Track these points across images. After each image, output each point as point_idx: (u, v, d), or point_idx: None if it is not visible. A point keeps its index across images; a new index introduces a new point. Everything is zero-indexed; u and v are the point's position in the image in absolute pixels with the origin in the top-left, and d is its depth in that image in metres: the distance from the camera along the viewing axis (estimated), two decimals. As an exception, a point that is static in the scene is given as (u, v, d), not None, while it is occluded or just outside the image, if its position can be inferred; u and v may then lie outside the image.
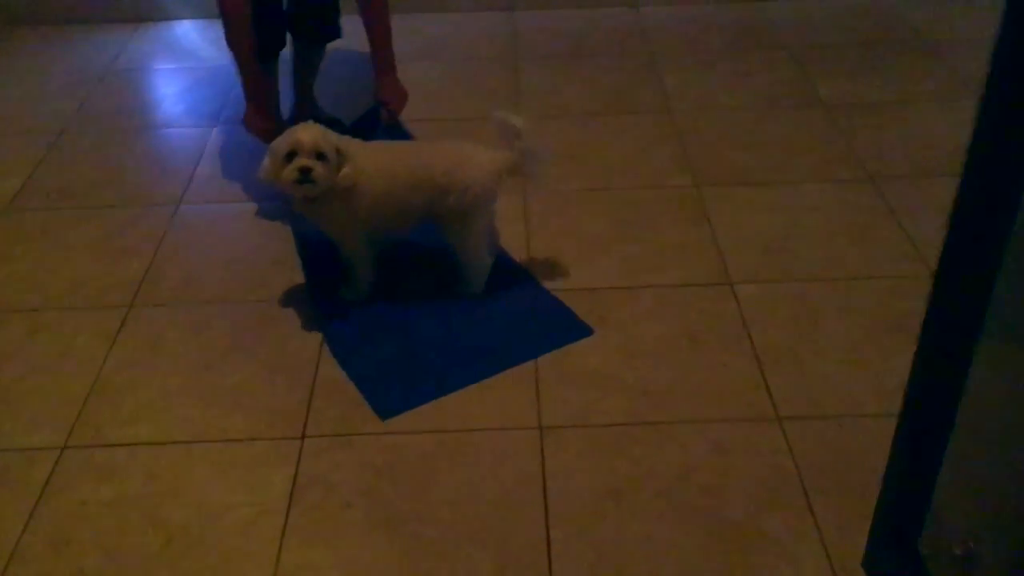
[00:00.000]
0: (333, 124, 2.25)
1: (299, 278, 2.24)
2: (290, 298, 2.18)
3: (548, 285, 2.19)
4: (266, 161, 1.96)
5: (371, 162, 2.00)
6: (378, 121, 2.54)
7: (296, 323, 2.10)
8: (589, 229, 2.38)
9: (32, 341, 2.08)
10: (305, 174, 1.89)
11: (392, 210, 2.05)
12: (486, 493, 1.69)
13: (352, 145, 2.00)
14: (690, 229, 2.37)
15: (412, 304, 2.15)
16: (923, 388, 1.29)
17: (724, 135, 2.76)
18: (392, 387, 1.93)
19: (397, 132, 2.65)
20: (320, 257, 2.26)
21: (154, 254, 2.33)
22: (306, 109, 2.73)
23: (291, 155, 1.90)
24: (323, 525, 1.65)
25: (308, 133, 1.91)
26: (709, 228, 2.36)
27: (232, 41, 2.33)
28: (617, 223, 2.40)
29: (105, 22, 3.51)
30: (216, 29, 3.00)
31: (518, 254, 2.29)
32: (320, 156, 1.90)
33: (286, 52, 2.60)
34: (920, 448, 1.33)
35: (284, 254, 2.32)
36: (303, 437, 1.83)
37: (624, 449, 1.77)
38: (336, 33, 2.67)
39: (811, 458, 1.74)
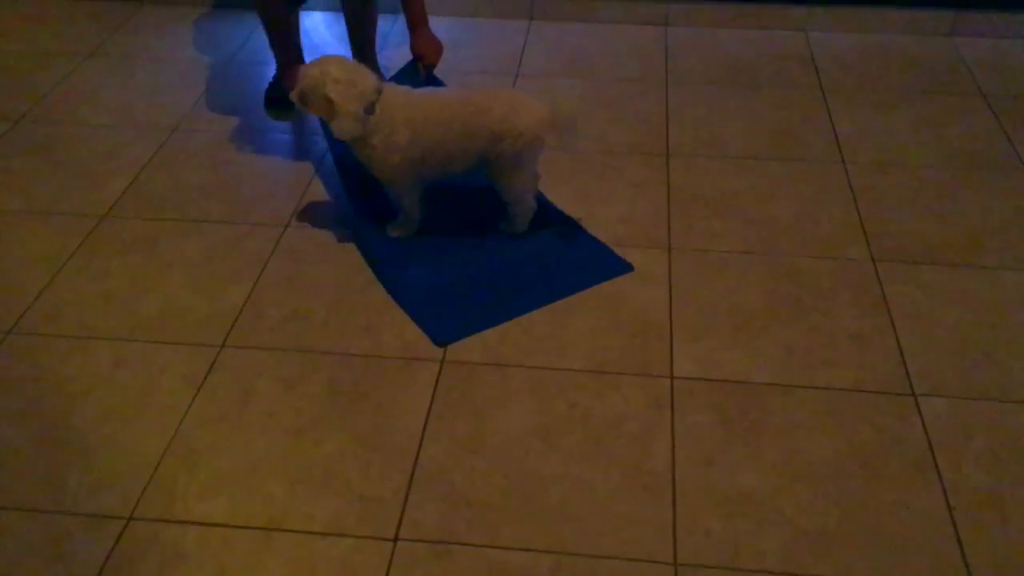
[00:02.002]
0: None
1: (408, 331, 1.98)
2: (396, 354, 1.92)
3: (695, 373, 1.87)
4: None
5: (422, 112, 2.07)
6: (417, 75, 2.42)
7: (399, 388, 1.85)
8: (743, 302, 2.05)
9: (114, 376, 1.88)
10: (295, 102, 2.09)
11: (447, 157, 2.11)
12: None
13: (399, 95, 2.08)
14: (865, 316, 2.01)
15: (458, 238, 2.23)
16: None
17: (907, 198, 2.37)
18: (444, 316, 2.01)
19: (435, 85, 2.46)
20: (366, 189, 2.30)
21: (255, 283, 2.11)
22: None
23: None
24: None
25: (313, 70, 2.03)
26: (888, 317, 2.00)
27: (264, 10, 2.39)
28: (777, 298, 2.06)
29: (234, 6, 3.32)
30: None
31: (654, 326, 1.98)
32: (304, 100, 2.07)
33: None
34: None
35: (391, 300, 2.06)
36: (396, 539, 1.57)
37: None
38: None
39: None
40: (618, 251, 2.20)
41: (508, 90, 2.18)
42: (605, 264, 2.15)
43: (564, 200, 2.36)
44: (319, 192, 2.41)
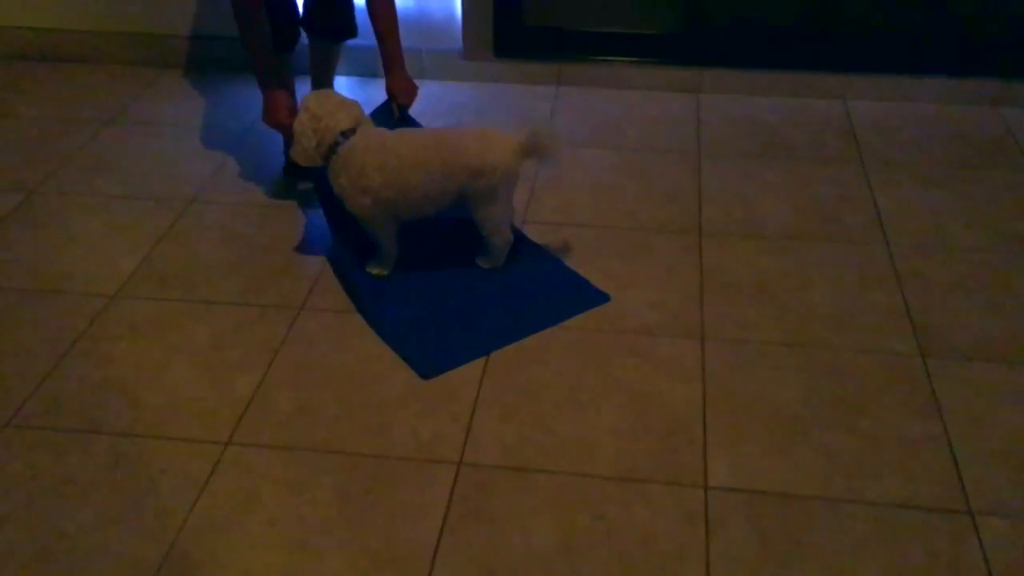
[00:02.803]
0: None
1: (423, 428, 1.87)
2: (409, 454, 1.81)
3: (729, 484, 1.74)
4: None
5: (397, 157, 2.12)
6: (391, 115, 2.46)
7: (413, 493, 1.73)
8: (782, 401, 1.92)
9: (112, 475, 1.78)
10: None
11: (424, 198, 2.16)
12: None
13: (372, 138, 2.14)
14: (914, 419, 1.87)
15: (436, 272, 2.27)
16: None
17: (957, 285, 2.23)
18: (427, 349, 2.04)
19: (409, 126, 2.46)
20: (346, 222, 2.29)
21: (264, 373, 2.01)
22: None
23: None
24: None
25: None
26: (940, 422, 1.86)
27: (246, 35, 2.37)
28: (818, 397, 1.93)
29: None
30: (373, 86, 2.69)
31: (685, 427, 1.85)
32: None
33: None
34: None
35: (406, 393, 1.96)
36: (404, 675, 1.44)
37: None
38: (351, 31, 2.71)
39: None
40: (648, 340, 2.08)
41: (479, 126, 2.22)
42: (583, 295, 2.21)
43: (591, 281, 2.25)
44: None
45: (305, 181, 2.64)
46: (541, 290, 2.23)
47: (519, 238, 2.35)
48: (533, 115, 3.02)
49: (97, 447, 1.84)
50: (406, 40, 3.18)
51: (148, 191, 2.65)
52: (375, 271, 2.26)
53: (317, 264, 2.34)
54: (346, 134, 2.13)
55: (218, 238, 2.46)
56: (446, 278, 2.25)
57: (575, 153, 2.82)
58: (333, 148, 2.14)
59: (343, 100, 2.17)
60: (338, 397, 1.95)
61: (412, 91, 2.47)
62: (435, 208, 2.20)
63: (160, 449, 1.83)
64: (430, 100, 3.04)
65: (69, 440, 1.85)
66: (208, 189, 2.65)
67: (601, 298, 2.20)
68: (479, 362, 2.03)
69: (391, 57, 2.44)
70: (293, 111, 2.32)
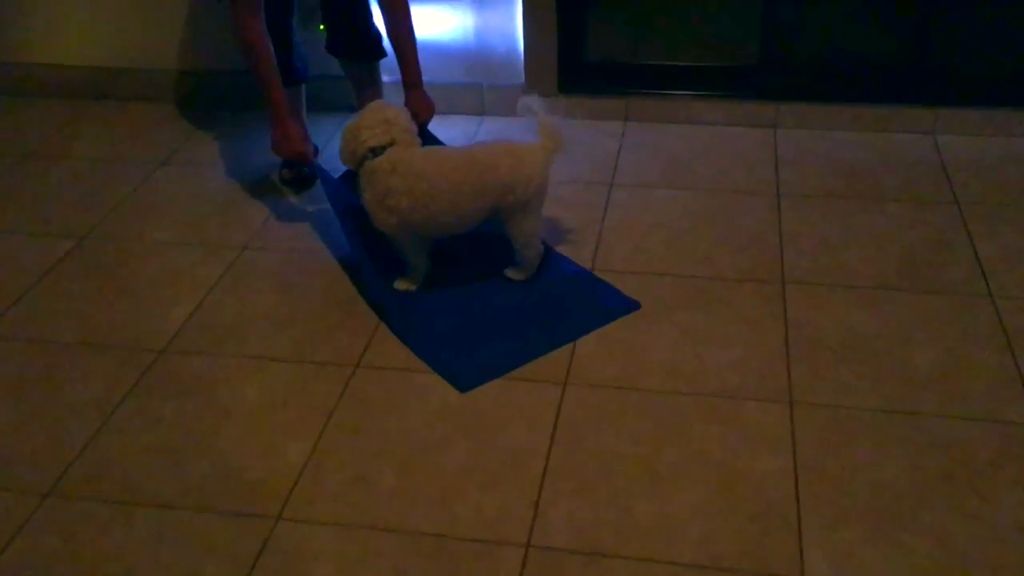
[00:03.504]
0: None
1: (488, 503, 1.72)
2: (474, 535, 1.66)
3: None
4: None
5: (428, 182, 2.10)
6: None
7: (478, 581, 1.57)
8: (884, 478, 1.73)
9: (156, 556, 1.65)
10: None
11: (458, 219, 2.15)
12: None
13: (402, 161, 2.11)
14: (1037, 502, 1.67)
15: (465, 285, 2.25)
16: None
17: (1074, 344, 2.03)
18: (461, 361, 2.01)
19: (428, 143, 2.37)
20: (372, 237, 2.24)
21: (317, 438, 1.88)
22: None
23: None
24: None
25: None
26: (1067, 505, 1.65)
27: (253, 68, 2.39)
28: (924, 474, 1.73)
29: (320, 110, 3.12)
30: (440, 126, 2.57)
31: (777, 507, 1.67)
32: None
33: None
34: None
35: (469, 463, 1.81)
36: None
37: None
38: (378, 52, 2.72)
39: None
40: (731, 405, 1.91)
41: (504, 141, 2.22)
42: (615, 303, 2.19)
43: (665, 340, 2.09)
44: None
45: (295, 192, 2.73)
46: (573, 299, 2.21)
47: (546, 248, 2.34)
48: (600, 153, 2.88)
49: (140, 521, 1.72)
50: (467, 76, 3.09)
51: (200, 237, 2.55)
52: (403, 287, 2.23)
53: (374, 318, 2.21)
54: (376, 151, 2.12)
55: (271, 288, 2.35)
56: (476, 290, 2.24)
57: (645, 194, 2.66)
58: (362, 161, 2.14)
59: (388, 116, 2.15)
60: (395, 466, 1.81)
61: (431, 108, 2.50)
62: (467, 227, 2.21)
63: (207, 525, 1.71)
64: (491, 137, 2.91)
65: (111, 513, 1.74)
66: (261, 235, 2.55)
67: (632, 305, 2.18)
68: (546, 426, 1.87)
69: (409, 75, 2.49)
70: (307, 138, 2.47)
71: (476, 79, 3.05)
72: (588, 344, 2.09)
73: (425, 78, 2.55)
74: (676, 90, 3.02)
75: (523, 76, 3.03)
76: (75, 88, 3.34)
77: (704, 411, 1.91)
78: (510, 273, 2.26)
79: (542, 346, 2.06)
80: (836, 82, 2.96)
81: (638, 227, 2.50)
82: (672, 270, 2.33)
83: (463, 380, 1.98)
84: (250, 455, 1.85)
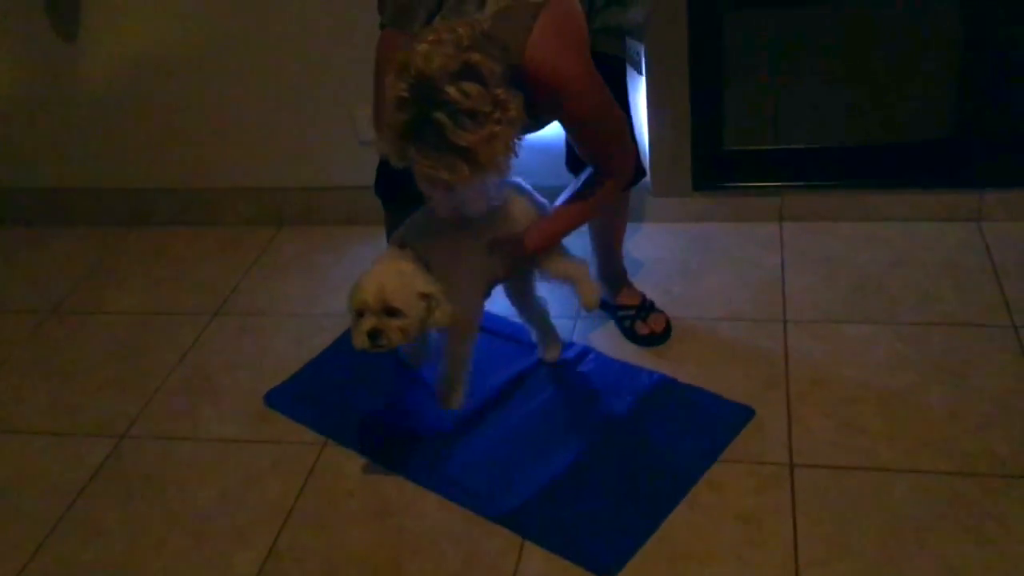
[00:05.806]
0: None
1: None
2: None
3: None
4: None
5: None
6: None
7: None
8: None
9: None
10: (374, 338, 1.64)
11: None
12: None
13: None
14: None
15: (528, 441, 1.85)
16: None
17: None
18: (590, 543, 1.62)
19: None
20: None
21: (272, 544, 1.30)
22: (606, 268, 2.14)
23: (360, 313, 1.66)
24: None
25: (372, 286, 1.63)
26: None
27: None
28: None
29: (375, 223, 2.54)
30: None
31: None
32: (392, 312, 1.63)
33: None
34: None
35: None
36: None
37: None
38: (640, 173, 1.96)
39: None
40: None
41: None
42: (726, 413, 1.83)
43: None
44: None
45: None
46: (665, 425, 1.83)
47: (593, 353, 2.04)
48: (758, 272, 2.26)
49: None
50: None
51: (257, 431, 1.99)
52: (454, 406, 1.86)
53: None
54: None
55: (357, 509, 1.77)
56: (560, 444, 1.84)
57: (834, 334, 2.04)
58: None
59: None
60: None
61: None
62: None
63: None
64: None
65: None
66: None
67: (746, 413, 1.83)
68: None
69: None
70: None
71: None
72: None
73: (531, 181, 1.96)
74: (842, 180, 2.40)
75: (649, 173, 2.42)
76: (108, 214, 2.82)
77: None
78: (545, 354, 2.03)
79: (667, 503, 1.67)
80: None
81: (839, 391, 1.88)
82: (904, 463, 1.70)
83: (604, 567, 1.58)
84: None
